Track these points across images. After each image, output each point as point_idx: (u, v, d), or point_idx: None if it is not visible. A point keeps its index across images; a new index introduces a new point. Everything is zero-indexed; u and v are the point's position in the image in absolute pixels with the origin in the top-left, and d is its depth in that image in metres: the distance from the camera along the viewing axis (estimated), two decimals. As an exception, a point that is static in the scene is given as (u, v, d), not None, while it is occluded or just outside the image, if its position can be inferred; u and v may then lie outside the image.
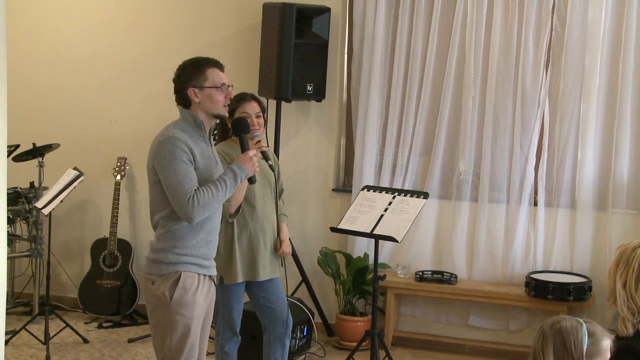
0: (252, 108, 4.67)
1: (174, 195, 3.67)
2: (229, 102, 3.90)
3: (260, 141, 4.53)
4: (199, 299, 3.79)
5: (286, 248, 4.85)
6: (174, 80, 3.85)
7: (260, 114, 4.71)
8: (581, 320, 2.57)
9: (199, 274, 3.79)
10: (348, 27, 6.58)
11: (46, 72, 7.15)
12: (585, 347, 2.52)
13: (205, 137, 3.84)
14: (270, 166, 4.62)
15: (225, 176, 3.79)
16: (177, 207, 3.69)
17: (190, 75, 3.79)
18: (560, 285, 5.80)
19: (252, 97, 4.74)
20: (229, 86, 3.85)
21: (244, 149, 3.97)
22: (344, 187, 6.70)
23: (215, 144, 4.88)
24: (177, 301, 3.72)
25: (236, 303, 4.75)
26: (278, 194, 4.83)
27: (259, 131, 4.65)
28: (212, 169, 3.83)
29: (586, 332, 2.54)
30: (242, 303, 4.81)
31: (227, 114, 3.92)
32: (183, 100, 3.83)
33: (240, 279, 4.68)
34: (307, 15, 6.30)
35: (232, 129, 4.17)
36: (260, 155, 4.49)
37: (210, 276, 3.88)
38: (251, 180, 3.97)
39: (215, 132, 6.14)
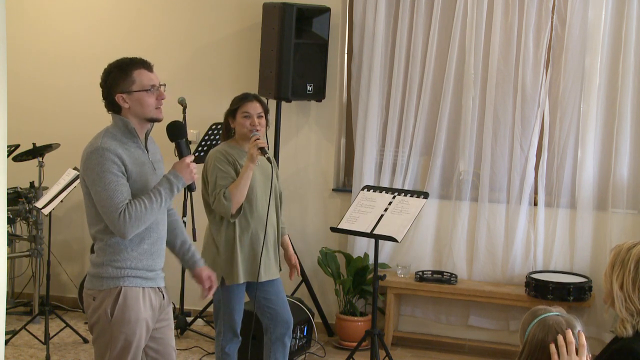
0: (254, 108, 4.68)
1: (105, 211, 3.46)
2: (162, 103, 3.60)
3: (258, 139, 4.54)
4: (143, 314, 3.57)
5: (296, 264, 4.95)
6: (101, 86, 3.59)
7: (262, 114, 4.71)
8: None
9: (143, 288, 3.58)
10: (348, 27, 6.58)
11: (46, 72, 7.15)
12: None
13: (139, 143, 3.59)
14: (268, 158, 4.59)
15: (160, 186, 3.53)
16: (108, 222, 3.48)
17: (117, 79, 3.53)
18: (560, 285, 5.80)
19: (255, 98, 4.74)
20: (160, 86, 3.59)
21: (181, 155, 3.67)
22: (344, 187, 6.70)
23: (218, 144, 4.89)
24: (118, 318, 3.52)
25: (237, 304, 4.74)
26: (279, 197, 4.85)
27: (260, 132, 4.66)
28: (147, 177, 3.58)
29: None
30: (242, 304, 4.80)
31: (160, 117, 3.61)
32: (112, 106, 3.57)
33: (242, 279, 4.67)
34: (307, 15, 6.29)
35: (167, 135, 3.76)
36: (259, 152, 4.51)
37: (158, 288, 3.67)
38: (190, 188, 3.70)
39: (213, 132, 6.17)
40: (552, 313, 2.55)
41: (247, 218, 4.66)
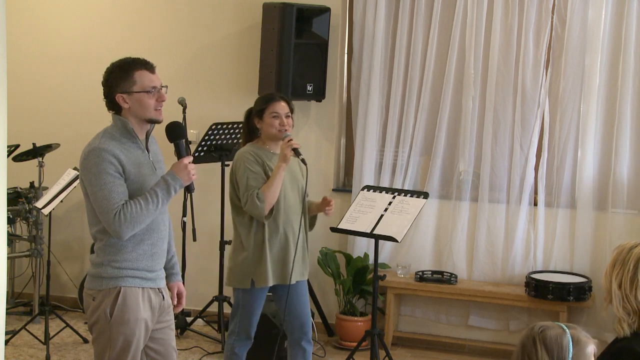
0: (282, 108, 4.58)
1: (101, 211, 3.47)
2: (162, 104, 3.60)
3: (291, 140, 4.47)
4: (143, 314, 3.58)
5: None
6: (102, 84, 3.60)
7: (290, 114, 4.62)
8: (564, 327, 2.53)
9: (142, 288, 3.59)
10: (348, 27, 6.58)
11: (46, 72, 7.15)
12: (570, 356, 2.48)
13: (139, 143, 3.59)
14: (303, 160, 4.49)
15: (157, 187, 3.52)
16: (104, 222, 3.49)
17: (118, 79, 3.53)
18: (560, 285, 5.80)
19: (281, 98, 4.64)
20: (162, 87, 3.60)
21: (180, 156, 3.64)
22: (344, 187, 6.70)
23: (240, 146, 4.77)
24: (117, 319, 3.53)
25: (258, 307, 4.65)
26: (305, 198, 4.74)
27: (289, 131, 4.58)
28: (145, 178, 3.57)
29: (570, 340, 2.50)
30: (261, 307, 4.69)
31: (160, 118, 3.61)
32: (113, 105, 3.58)
33: (271, 282, 4.58)
34: (307, 15, 6.30)
35: (167, 135, 3.73)
36: (292, 153, 4.45)
37: (158, 288, 3.68)
38: (189, 189, 3.69)
39: (213, 132, 6.17)
40: (558, 324, 2.53)
41: (276, 220, 4.56)
